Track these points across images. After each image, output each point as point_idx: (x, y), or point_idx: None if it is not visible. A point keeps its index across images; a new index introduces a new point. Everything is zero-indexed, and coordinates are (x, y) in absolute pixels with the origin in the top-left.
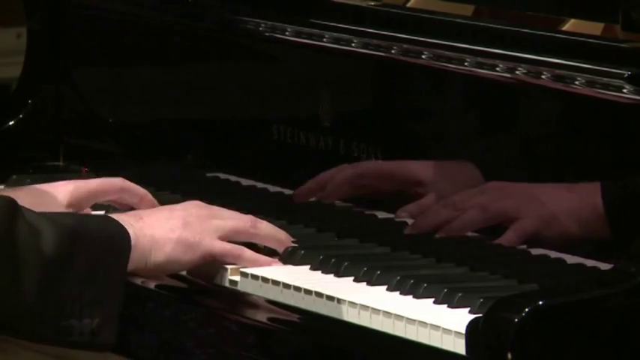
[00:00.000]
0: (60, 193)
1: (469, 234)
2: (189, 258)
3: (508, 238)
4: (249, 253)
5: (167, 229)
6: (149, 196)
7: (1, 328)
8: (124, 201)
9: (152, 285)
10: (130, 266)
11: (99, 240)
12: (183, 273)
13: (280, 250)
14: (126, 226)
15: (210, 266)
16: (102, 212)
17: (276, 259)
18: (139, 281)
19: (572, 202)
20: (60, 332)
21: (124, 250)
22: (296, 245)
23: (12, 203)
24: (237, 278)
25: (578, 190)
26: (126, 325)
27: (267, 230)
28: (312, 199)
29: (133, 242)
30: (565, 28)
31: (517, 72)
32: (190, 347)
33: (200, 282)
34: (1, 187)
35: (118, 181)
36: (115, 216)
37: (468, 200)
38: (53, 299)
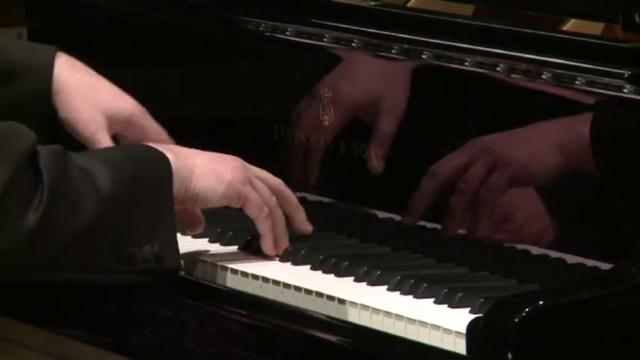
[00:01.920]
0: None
1: (468, 233)
2: (228, 192)
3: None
4: (269, 221)
5: (209, 160)
6: (164, 135)
7: (67, 272)
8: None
9: (152, 285)
10: (173, 191)
11: (144, 172)
12: (182, 273)
13: (295, 222)
14: (164, 152)
15: (211, 266)
16: None
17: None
18: None
19: (556, 130)
20: (124, 262)
21: (167, 176)
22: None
23: (60, 150)
24: (237, 278)
25: (563, 119)
26: (126, 325)
27: (294, 198)
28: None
29: (173, 166)
30: (565, 28)
31: (517, 72)
32: (190, 347)
33: (200, 282)
34: None
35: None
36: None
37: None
38: (112, 233)
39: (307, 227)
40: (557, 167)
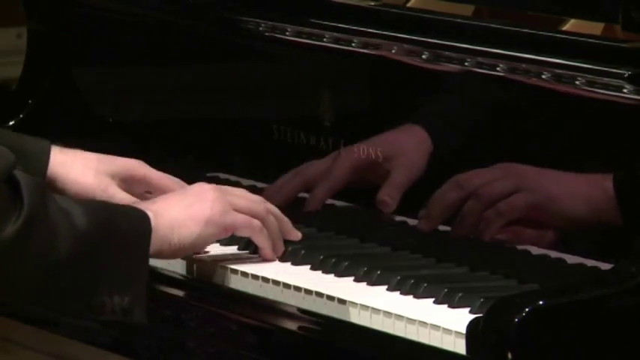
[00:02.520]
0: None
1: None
2: (212, 231)
3: (514, 201)
4: (264, 232)
5: (184, 206)
6: (168, 179)
7: (35, 305)
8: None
9: (152, 285)
10: (154, 248)
11: (121, 223)
12: (184, 272)
13: (283, 232)
14: (144, 210)
15: (211, 266)
16: None
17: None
18: None
19: (580, 183)
20: (93, 310)
21: (145, 232)
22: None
23: (42, 185)
24: (237, 278)
25: (586, 174)
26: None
27: (276, 210)
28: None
29: (153, 224)
30: (565, 28)
31: (517, 72)
32: (190, 347)
33: (200, 282)
34: None
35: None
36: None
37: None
38: (85, 275)
39: (295, 235)
40: (580, 214)
